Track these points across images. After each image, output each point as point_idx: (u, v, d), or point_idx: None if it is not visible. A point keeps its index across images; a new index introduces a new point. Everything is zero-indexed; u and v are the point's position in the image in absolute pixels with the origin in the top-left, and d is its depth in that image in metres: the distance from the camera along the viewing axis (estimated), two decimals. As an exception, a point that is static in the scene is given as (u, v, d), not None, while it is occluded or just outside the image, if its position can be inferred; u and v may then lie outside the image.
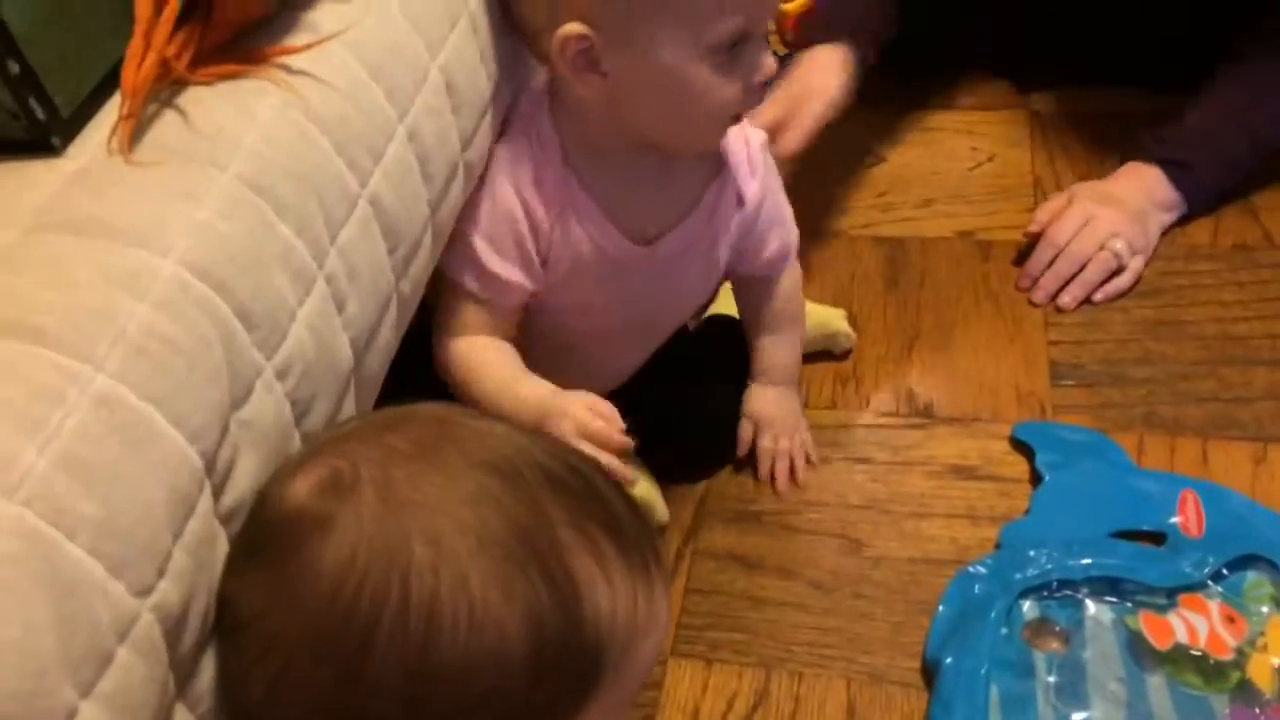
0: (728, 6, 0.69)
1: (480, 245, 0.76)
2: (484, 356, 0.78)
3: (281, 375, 0.53)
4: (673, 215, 0.82)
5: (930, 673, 0.82)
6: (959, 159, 1.31)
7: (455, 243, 0.75)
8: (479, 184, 0.76)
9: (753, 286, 0.95)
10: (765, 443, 0.97)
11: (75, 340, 0.44)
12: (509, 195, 0.76)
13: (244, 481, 0.51)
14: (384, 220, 0.61)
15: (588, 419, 0.69)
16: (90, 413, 0.44)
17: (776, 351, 0.96)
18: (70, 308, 0.45)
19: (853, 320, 1.11)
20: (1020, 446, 0.97)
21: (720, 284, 0.96)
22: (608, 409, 0.70)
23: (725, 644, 0.87)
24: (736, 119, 0.77)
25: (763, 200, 0.86)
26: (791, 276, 0.94)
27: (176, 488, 0.46)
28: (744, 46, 0.71)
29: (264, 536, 0.47)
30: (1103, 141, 1.27)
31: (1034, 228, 1.13)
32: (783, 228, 0.91)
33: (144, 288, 0.47)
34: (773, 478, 0.97)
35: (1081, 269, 1.09)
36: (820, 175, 1.30)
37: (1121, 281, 1.09)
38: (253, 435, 0.51)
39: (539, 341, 0.85)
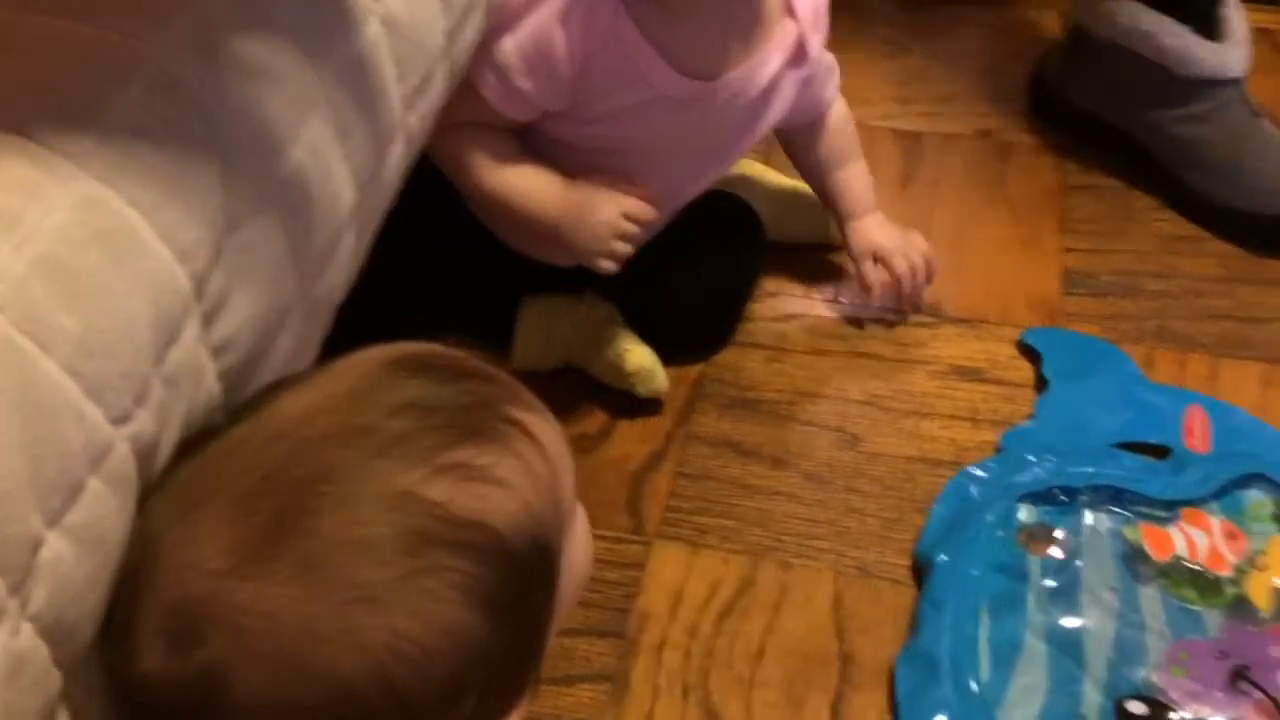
0: None
1: (511, 58, 0.75)
2: (494, 146, 0.80)
3: (280, 201, 0.50)
4: (735, 55, 0.80)
5: (921, 570, 0.80)
6: (985, 56, 1.26)
7: (484, 47, 0.73)
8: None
9: (807, 130, 0.94)
10: (901, 266, 0.94)
11: (58, 132, 0.40)
12: (553, 18, 0.74)
13: (238, 314, 0.48)
14: (396, 44, 0.57)
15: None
16: (72, 214, 0.40)
17: (853, 183, 0.96)
18: (53, 96, 0.41)
19: (863, 213, 1.07)
20: (1027, 352, 0.95)
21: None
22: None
23: (713, 529, 0.85)
24: None
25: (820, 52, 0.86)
26: (840, 107, 0.94)
27: (161, 308, 0.43)
28: None
29: (166, 713, 0.42)
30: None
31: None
32: (834, 70, 0.92)
33: (128, 74, 0.42)
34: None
35: None
36: (839, 63, 1.25)
37: None
38: (251, 261, 0.48)
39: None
